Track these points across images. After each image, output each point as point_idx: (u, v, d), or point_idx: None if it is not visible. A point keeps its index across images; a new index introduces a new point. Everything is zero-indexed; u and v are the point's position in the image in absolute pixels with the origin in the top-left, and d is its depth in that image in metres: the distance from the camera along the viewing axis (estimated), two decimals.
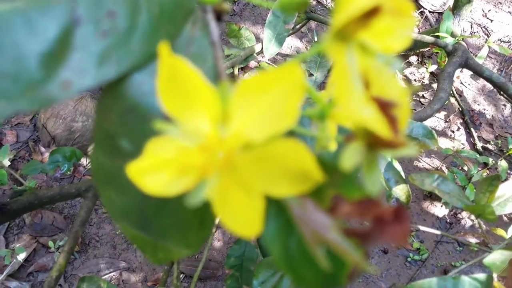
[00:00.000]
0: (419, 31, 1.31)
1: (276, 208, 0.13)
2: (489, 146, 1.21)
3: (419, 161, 1.16)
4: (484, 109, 1.28)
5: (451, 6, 1.01)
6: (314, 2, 1.34)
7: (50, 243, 0.90)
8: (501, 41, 1.39)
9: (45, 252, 0.91)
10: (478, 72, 0.81)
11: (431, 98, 1.18)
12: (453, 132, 1.23)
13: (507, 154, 1.17)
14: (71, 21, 0.12)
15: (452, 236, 0.61)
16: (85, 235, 0.94)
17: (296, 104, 0.11)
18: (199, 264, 0.58)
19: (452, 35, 0.90)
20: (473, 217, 1.07)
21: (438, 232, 0.58)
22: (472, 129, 1.22)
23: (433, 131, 0.55)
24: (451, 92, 1.22)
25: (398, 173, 0.55)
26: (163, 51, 0.11)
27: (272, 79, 0.11)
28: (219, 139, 0.12)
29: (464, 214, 1.10)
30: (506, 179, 1.09)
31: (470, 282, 0.36)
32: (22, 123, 1.02)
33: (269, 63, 1.06)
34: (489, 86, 1.28)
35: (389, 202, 0.60)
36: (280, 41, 0.72)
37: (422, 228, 0.58)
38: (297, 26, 0.92)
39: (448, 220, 1.09)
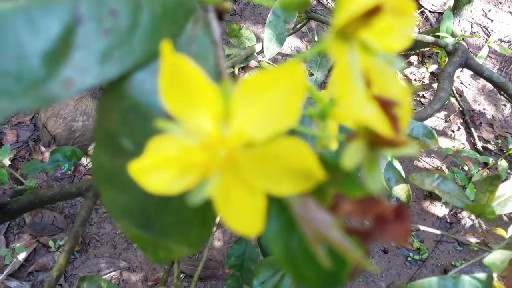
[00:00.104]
0: (419, 31, 1.31)
1: (277, 207, 0.13)
2: (489, 146, 1.21)
3: (420, 161, 1.16)
4: (484, 109, 1.28)
5: (452, 6, 1.01)
6: (315, 2, 1.34)
7: (51, 243, 0.90)
8: (501, 41, 1.39)
9: (45, 251, 0.91)
10: (478, 72, 0.81)
11: (432, 98, 1.18)
12: (453, 132, 1.23)
13: (507, 154, 1.17)
14: (73, 19, 0.12)
15: (452, 235, 0.61)
16: (85, 234, 0.94)
17: (298, 103, 0.11)
18: (199, 263, 0.58)
19: (453, 35, 0.90)
20: (473, 216, 1.07)
21: (438, 231, 0.58)
22: (472, 129, 1.22)
23: (434, 131, 0.55)
24: (451, 92, 1.22)
25: (399, 173, 0.55)
26: (165, 49, 0.11)
27: (273, 78, 0.11)
28: (221, 137, 0.12)
29: (464, 213, 1.10)
30: (506, 179, 1.09)
31: (470, 282, 0.36)
32: (23, 122, 1.02)
33: (269, 63, 1.06)
34: (489, 86, 1.28)
35: (389, 201, 0.60)
36: (281, 41, 0.72)
37: (422, 227, 0.58)
38: (298, 26, 0.92)
39: (448, 220, 1.09)
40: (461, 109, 1.25)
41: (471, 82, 1.32)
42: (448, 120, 1.24)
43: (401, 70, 1.24)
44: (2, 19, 0.11)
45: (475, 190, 0.68)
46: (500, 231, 0.65)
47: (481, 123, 1.25)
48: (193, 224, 0.15)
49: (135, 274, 0.92)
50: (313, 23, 1.28)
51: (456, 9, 0.98)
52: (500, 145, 1.21)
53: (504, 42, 1.39)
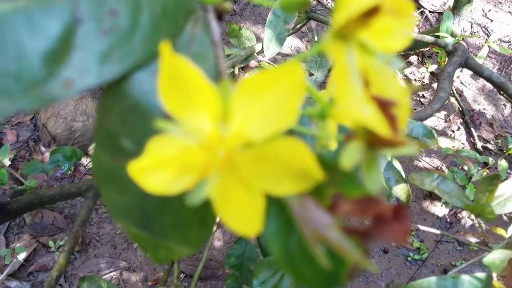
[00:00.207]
0: (419, 30, 1.31)
1: (276, 207, 0.13)
2: (489, 146, 1.21)
3: (419, 161, 1.16)
4: (484, 109, 1.28)
5: (451, 6, 1.01)
6: (315, 2, 1.34)
7: (51, 243, 0.90)
8: (501, 41, 1.39)
9: (45, 251, 0.91)
10: (478, 72, 0.81)
11: (431, 98, 1.18)
12: (453, 131, 1.23)
13: (507, 153, 1.17)
14: (73, 19, 0.12)
15: (452, 235, 0.61)
16: (85, 234, 0.94)
17: (297, 103, 0.11)
18: (199, 263, 0.58)
19: (452, 35, 0.90)
20: (473, 216, 1.07)
21: (438, 231, 0.58)
22: (472, 129, 1.22)
23: (433, 131, 0.55)
24: (451, 91, 1.22)
25: (398, 173, 0.55)
26: (165, 50, 0.11)
27: (272, 78, 0.11)
28: (220, 138, 0.12)
29: (464, 213, 1.10)
30: (506, 179, 1.09)
31: (469, 282, 0.36)
32: (23, 122, 1.02)
33: (269, 63, 1.06)
34: (489, 85, 1.28)
35: (389, 201, 0.60)
36: (281, 41, 0.72)
37: (422, 227, 0.58)
38: (298, 26, 0.92)
39: (448, 220, 1.09)
40: (461, 109, 1.25)
41: (471, 82, 1.32)
42: (448, 120, 1.25)
43: (401, 70, 1.24)
44: (2, 19, 0.11)
45: (474, 190, 0.68)
46: (500, 231, 0.65)
47: (481, 123, 1.26)
48: (192, 224, 0.15)
49: (135, 274, 0.92)
50: (313, 23, 1.28)
51: (456, 9, 0.98)
52: (500, 145, 1.21)
53: (504, 42, 1.39)
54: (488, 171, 1.13)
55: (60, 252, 0.63)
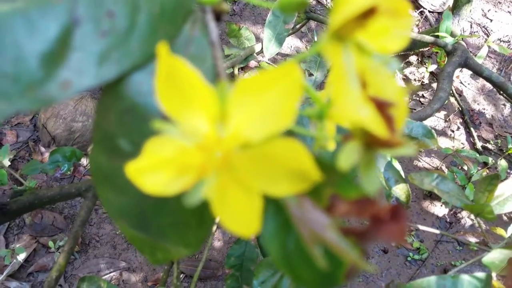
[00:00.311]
0: (419, 30, 1.31)
1: (274, 208, 0.13)
2: (489, 146, 1.21)
3: (419, 161, 1.16)
4: (484, 109, 1.29)
5: (451, 5, 1.01)
6: (314, 2, 1.34)
7: (50, 243, 0.90)
8: (500, 41, 1.39)
9: (45, 252, 0.91)
10: (477, 72, 0.81)
11: (431, 98, 1.18)
12: (453, 131, 1.23)
13: (507, 153, 1.17)
14: (71, 21, 0.12)
15: (452, 235, 0.61)
16: (85, 235, 0.94)
17: (294, 104, 0.11)
18: (199, 264, 0.58)
19: (452, 34, 0.90)
20: (472, 216, 1.07)
21: (438, 231, 0.58)
22: (472, 129, 1.22)
23: (433, 131, 0.55)
24: (451, 91, 1.22)
25: (398, 173, 0.55)
26: (162, 51, 0.11)
27: (270, 79, 0.11)
28: (217, 138, 0.12)
29: (464, 213, 1.10)
30: (506, 179, 1.09)
31: (469, 281, 0.36)
32: (22, 123, 1.02)
33: (269, 63, 1.06)
34: (488, 85, 1.28)
35: (389, 201, 0.60)
36: (280, 41, 0.72)
37: (422, 227, 0.58)
38: (297, 26, 0.92)
39: (448, 220, 1.09)
40: (460, 109, 1.25)
41: (471, 81, 1.32)
42: (447, 120, 1.25)
43: (400, 70, 1.24)
44: (0, 20, 0.11)
45: (474, 189, 0.68)
46: (499, 231, 0.65)
47: (480, 123, 1.26)
48: (190, 225, 0.15)
49: (135, 274, 0.92)
50: (312, 23, 1.28)
51: (455, 9, 0.98)
52: (499, 145, 1.21)
53: (504, 41, 1.39)
54: (487, 171, 1.13)
55: (60, 252, 0.63)
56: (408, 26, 0.13)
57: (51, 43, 0.12)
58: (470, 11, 1.12)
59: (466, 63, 0.80)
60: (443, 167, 1.16)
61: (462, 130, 1.24)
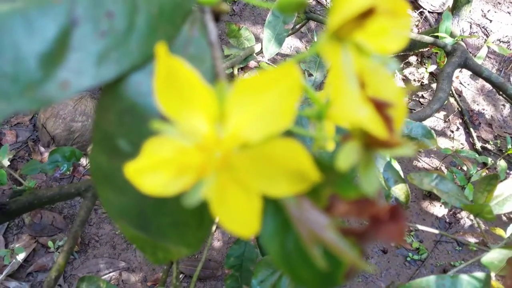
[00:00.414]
0: (418, 31, 1.31)
1: (273, 208, 0.13)
2: (488, 146, 1.21)
3: (419, 161, 1.16)
4: (483, 109, 1.29)
5: (451, 6, 1.01)
6: (314, 2, 1.34)
7: (50, 243, 0.90)
8: (500, 41, 1.39)
9: (44, 252, 0.91)
10: (477, 72, 0.81)
11: (431, 98, 1.18)
12: (452, 132, 1.23)
13: (506, 154, 1.17)
14: (70, 21, 0.12)
15: (451, 235, 0.61)
16: (84, 235, 0.94)
17: (293, 104, 0.11)
18: (198, 264, 0.58)
19: (451, 35, 0.90)
20: (472, 216, 1.07)
21: (437, 231, 0.58)
22: (471, 129, 1.22)
23: (432, 131, 0.55)
24: (451, 92, 1.22)
25: (397, 173, 0.55)
26: (161, 51, 0.11)
27: (269, 79, 0.11)
28: (216, 139, 0.12)
29: (463, 213, 1.10)
30: (505, 179, 1.09)
31: (468, 281, 0.36)
32: (22, 123, 1.02)
33: (268, 63, 1.06)
34: (488, 86, 1.28)
35: (388, 201, 0.60)
36: (280, 41, 0.72)
37: (421, 227, 0.58)
38: (297, 26, 0.92)
39: (448, 220, 1.09)
40: (460, 109, 1.25)
41: (470, 82, 1.32)
42: (447, 120, 1.25)
43: (399, 70, 1.24)
44: (0, 20, 0.11)
45: (473, 190, 0.68)
46: (499, 231, 0.65)
47: (480, 123, 1.26)
48: (190, 225, 0.15)
49: (135, 274, 0.92)
50: (312, 24, 1.28)
51: (455, 9, 0.98)
52: (499, 145, 1.21)
53: (503, 42, 1.39)
54: (487, 171, 1.13)
55: (59, 252, 0.63)
56: (407, 26, 0.13)
57: (50, 43, 0.12)
58: (470, 12, 1.12)
59: (466, 64, 0.80)
60: (443, 168, 1.16)
61: (461, 130, 1.24)
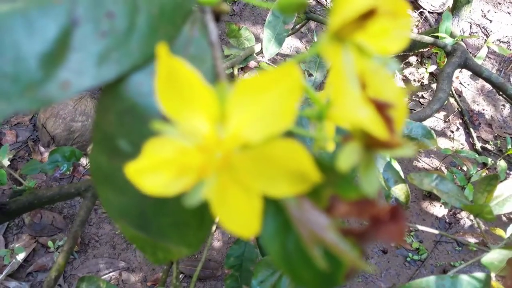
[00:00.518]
0: (418, 31, 1.31)
1: (274, 208, 0.13)
2: (488, 146, 1.21)
3: (419, 161, 1.16)
4: (483, 109, 1.29)
5: (451, 6, 1.01)
6: (314, 2, 1.34)
7: (50, 243, 0.90)
8: (500, 42, 1.39)
9: (44, 252, 0.91)
10: (477, 73, 0.81)
11: (431, 99, 1.18)
12: (452, 132, 1.23)
13: (506, 154, 1.17)
14: (71, 21, 0.12)
15: (451, 236, 0.61)
16: (84, 235, 0.94)
17: (294, 105, 0.11)
18: (198, 264, 0.58)
19: (451, 35, 0.90)
20: (472, 217, 1.07)
21: (437, 232, 0.58)
22: (471, 129, 1.22)
23: (432, 131, 0.55)
24: (451, 92, 1.22)
25: (397, 173, 0.55)
26: (161, 52, 0.11)
27: (270, 79, 0.11)
28: (217, 139, 0.12)
29: (463, 214, 1.10)
30: (505, 179, 1.09)
31: (468, 281, 0.36)
32: (22, 122, 1.02)
33: (268, 63, 1.06)
34: (488, 86, 1.28)
35: (388, 201, 0.60)
36: (280, 41, 0.72)
37: (421, 228, 0.58)
38: (297, 26, 0.92)
39: (447, 220, 1.09)
40: (460, 109, 1.25)
41: (470, 82, 1.32)
42: (447, 120, 1.25)
43: (400, 70, 1.24)
44: (0, 21, 0.11)
45: (473, 190, 0.68)
46: (499, 231, 0.65)
47: (480, 124, 1.26)
48: (191, 225, 0.15)
49: (134, 274, 0.92)
50: (312, 24, 1.28)
51: (455, 9, 0.98)
52: (499, 146, 1.21)
53: (503, 42, 1.39)
54: (487, 172, 1.13)
55: (59, 252, 0.63)
56: (407, 27, 0.13)
57: (50, 44, 0.12)
58: (470, 12, 1.12)
59: (466, 64, 0.80)
60: (443, 168, 1.16)
61: (461, 130, 1.24)
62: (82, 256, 0.92)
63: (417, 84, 1.28)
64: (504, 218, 1.08)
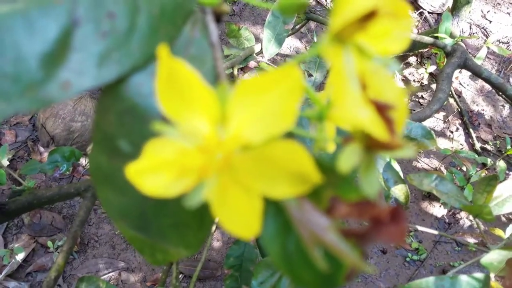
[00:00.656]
0: (418, 31, 1.31)
1: (274, 209, 0.13)
2: (488, 147, 1.21)
3: (418, 162, 1.16)
4: (483, 110, 1.29)
5: (450, 7, 1.01)
6: (314, 3, 1.34)
7: (49, 243, 0.90)
8: (499, 42, 1.39)
9: (44, 252, 0.91)
10: (476, 73, 0.81)
11: (430, 99, 1.18)
12: (452, 132, 1.23)
13: (506, 154, 1.17)
14: (71, 22, 0.12)
15: (450, 236, 0.61)
16: (84, 235, 0.94)
17: (295, 106, 0.11)
18: (198, 264, 0.58)
19: (451, 36, 0.90)
20: (471, 217, 1.07)
21: (436, 232, 0.58)
22: (471, 130, 1.22)
23: (432, 132, 0.55)
24: (450, 92, 1.22)
25: (397, 173, 0.55)
26: (162, 52, 0.11)
27: (270, 80, 0.11)
28: (217, 140, 0.12)
29: (463, 214, 1.11)
30: (505, 180, 1.09)
31: (467, 282, 0.36)
32: (21, 122, 1.02)
33: (268, 64, 1.06)
34: (487, 86, 1.28)
35: (387, 202, 0.60)
36: (280, 42, 0.72)
37: (420, 228, 0.58)
38: (297, 27, 0.92)
39: (447, 220, 1.09)
40: (459, 110, 1.25)
41: (470, 83, 1.32)
42: (446, 121, 1.25)
43: (399, 71, 1.24)
44: (0, 21, 0.11)
45: (473, 190, 0.68)
46: (498, 232, 0.65)
47: (479, 124, 1.26)
48: (191, 226, 0.15)
49: (134, 274, 0.92)
50: (312, 24, 1.28)
51: (455, 10, 0.98)
52: (498, 146, 1.21)
53: (503, 43, 1.40)
54: (486, 172, 1.13)
55: (59, 252, 0.63)
56: (408, 27, 0.13)
57: (51, 44, 0.12)
58: (470, 12, 1.12)
59: (465, 64, 0.80)
60: (442, 168, 1.16)
61: (461, 131, 1.24)
62: (82, 256, 0.92)
63: (416, 84, 1.28)
64: (503, 219, 1.08)
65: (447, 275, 0.42)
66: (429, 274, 1.00)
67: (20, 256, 0.87)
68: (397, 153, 0.12)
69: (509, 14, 1.45)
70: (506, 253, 0.40)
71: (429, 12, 1.37)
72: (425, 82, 1.28)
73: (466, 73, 1.32)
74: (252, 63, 1.13)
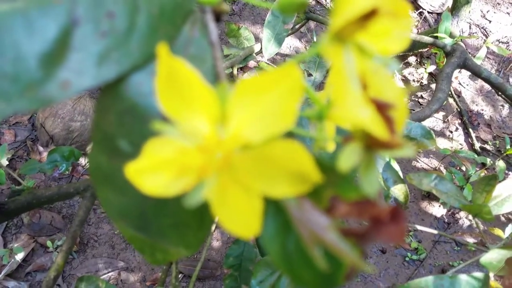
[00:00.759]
0: (418, 31, 1.31)
1: (274, 209, 0.13)
2: (487, 147, 1.21)
3: (418, 161, 1.17)
4: (482, 110, 1.29)
5: (450, 6, 1.01)
6: (313, 2, 1.34)
7: (49, 243, 0.90)
8: (499, 42, 1.40)
9: (43, 252, 0.91)
10: (476, 73, 0.81)
11: (430, 99, 1.19)
12: (451, 132, 1.24)
13: (505, 154, 1.17)
14: (71, 21, 0.12)
15: (450, 236, 0.61)
16: (83, 234, 0.94)
17: (295, 105, 0.11)
18: (197, 264, 0.58)
19: (451, 35, 0.90)
20: (471, 217, 1.07)
21: (436, 232, 0.58)
22: (470, 130, 1.22)
23: (432, 131, 0.55)
24: (450, 92, 1.22)
25: (396, 173, 0.55)
26: (162, 52, 0.11)
27: (270, 80, 0.11)
28: (217, 140, 0.12)
29: (462, 214, 1.11)
30: (504, 179, 1.09)
31: (467, 281, 0.37)
32: (20, 122, 1.02)
33: (268, 63, 1.06)
34: (487, 86, 1.28)
35: (387, 201, 0.60)
36: (279, 41, 0.72)
37: (420, 227, 0.58)
38: (296, 26, 0.92)
39: (446, 220, 1.10)
40: (459, 109, 1.26)
41: (469, 82, 1.33)
42: (446, 120, 1.25)
43: (399, 70, 1.25)
44: (0, 20, 0.11)
45: (472, 190, 0.68)
46: (497, 231, 0.65)
47: (479, 124, 1.26)
48: (191, 225, 0.15)
49: (133, 274, 0.92)
50: (312, 23, 1.28)
51: (454, 10, 0.98)
52: (497, 146, 1.22)
53: (502, 43, 1.40)
54: (486, 172, 1.13)
55: (58, 252, 0.63)
56: (408, 27, 0.13)
57: (50, 43, 0.12)
58: (469, 12, 1.12)
59: (465, 64, 0.80)
60: (442, 168, 1.16)
61: (460, 131, 1.24)
62: (81, 256, 0.92)
63: (416, 84, 1.28)
64: (502, 218, 1.08)
65: (446, 274, 0.42)
66: (428, 274, 1.00)
67: (19, 256, 0.87)
68: (397, 153, 0.12)
69: (508, 14, 1.46)
70: (505, 253, 0.40)
71: (428, 12, 1.38)
72: (425, 82, 1.29)
73: (465, 73, 1.32)
74: (251, 63, 1.13)
